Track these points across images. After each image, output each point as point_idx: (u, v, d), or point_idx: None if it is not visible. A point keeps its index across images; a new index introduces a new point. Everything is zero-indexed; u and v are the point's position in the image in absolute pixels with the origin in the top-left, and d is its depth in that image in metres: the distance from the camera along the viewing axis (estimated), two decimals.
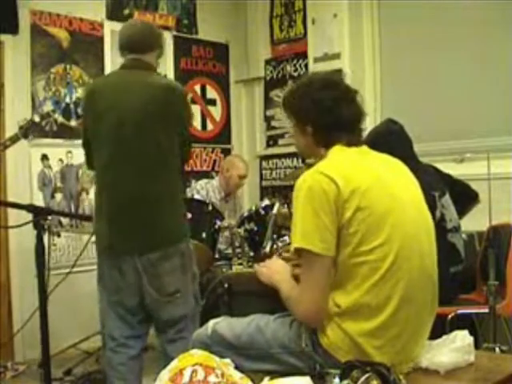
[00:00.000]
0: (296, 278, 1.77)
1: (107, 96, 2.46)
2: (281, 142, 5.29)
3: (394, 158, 1.90)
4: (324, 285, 1.65)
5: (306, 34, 4.99)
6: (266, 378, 1.57)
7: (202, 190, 4.18)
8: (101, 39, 4.54)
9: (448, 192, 2.98)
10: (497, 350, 2.79)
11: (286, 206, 3.49)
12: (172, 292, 2.48)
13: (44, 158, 4.24)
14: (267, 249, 3.19)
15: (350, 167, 1.70)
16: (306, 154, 1.93)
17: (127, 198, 2.42)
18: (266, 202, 3.65)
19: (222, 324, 1.92)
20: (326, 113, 1.77)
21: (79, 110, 4.41)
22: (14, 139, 3.06)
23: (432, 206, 2.19)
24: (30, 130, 3.08)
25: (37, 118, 3.17)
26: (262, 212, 3.52)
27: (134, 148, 2.41)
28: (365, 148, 1.83)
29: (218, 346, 1.85)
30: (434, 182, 2.91)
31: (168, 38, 4.99)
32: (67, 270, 3.14)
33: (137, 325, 2.53)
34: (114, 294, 2.49)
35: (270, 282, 1.86)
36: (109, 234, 2.46)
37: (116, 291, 2.48)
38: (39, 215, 2.14)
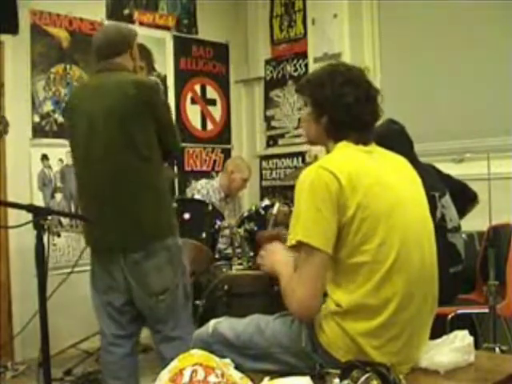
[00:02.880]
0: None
1: (79, 102, 2.52)
2: (281, 142, 5.30)
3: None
4: (319, 280, 1.64)
5: (306, 33, 4.99)
6: (266, 378, 1.57)
7: (203, 189, 4.17)
8: None
9: (448, 192, 2.98)
10: (497, 349, 2.79)
11: (286, 205, 3.49)
12: (160, 291, 2.46)
13: (44, 158, 4.24)
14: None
15: (352, 165, 1.69)
16: (313, 141, 1.91)
17: (105, 196, 2.43)
18: (266, 202, 3.65)
19: (223, 323, 1.92)
20: (344, 109, 1.76)
21: None
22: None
23: (432, 207, 2.19)
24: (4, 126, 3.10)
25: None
26: (262, 212, 3.52)
27: (107, 146, 2.41)
28: (372, 146, 1.82)
29: (219, 344, 1.85)
30: (434, 183, 2.91)
31: (168, 38, 5.00)
32: (67, 270, 3.13)
33: (126, 324, 2.54)
34: (104, 293, 2.52)
35: (271, 270, 1.86)
36: (92, 233, 2.52)
37: (106, 291, 2.52)
38: (39, 215, 2.13)
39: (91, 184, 2.47)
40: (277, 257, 1.88)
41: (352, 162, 1.71)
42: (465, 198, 3.19)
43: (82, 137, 2.46)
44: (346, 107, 1.75)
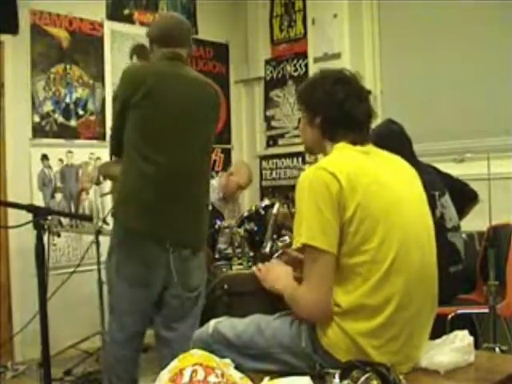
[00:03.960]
0: (297, 281, 1.77)
1: (157, 85, 2.39)
2: (281, 142, 5.30)
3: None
4: (328, 281, 1.65)
5: (305, 33, 4.99)
6: (266, 378, 1.57)
7: None
8: (101, 39, 4.54)
9: (447, 192, 2.98)
10: (497, 349, 2.79)
11: (285, 206, 3.49)
12: (194, 287, 2.51)
13: (44, 158, 4.24)
14: (267, 249, 3.20)
15: (351, 166, 1.70)
16: (311, 147, 1.92)
17: (178, 192, 2.41)
18: (266, 202, 3.65)
19: (223, 323, 1.92)
20: (337, 106, 1.78)
21: (79, 110, 4.42)
22: None
23: (432, 206, 2.18)
24: None
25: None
26: (262, 212, 3.52)
27: (187, 142, 2.43)
28: (370, 147, 1.83)
29: (219, 344, 1.85)
30: (434, 182, 2.91)
31: None
32: (67, 270, 3.15)
33: (147, 321, 2.52)
34: (140, 289, 2.41)
35: (272, 288, 1.85)
36: (149, 227, 2.37)
37: (144, 286, 2.41)
38: (39, 215, 2.14)
39: (163, 176, 2.37)
40: (275, 273, 1.87)
41: (350, 163, 1.71)
42: (464, 197, 3.19)
43: (172, 123, 2.40)
44: (338, 104, 1.77)
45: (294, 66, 5.14)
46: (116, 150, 2.52)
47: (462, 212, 3.13)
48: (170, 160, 2.39)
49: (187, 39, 2.57)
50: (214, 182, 4.29)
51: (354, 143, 1.78)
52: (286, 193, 4.92)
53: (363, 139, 1.81)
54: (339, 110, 1.78)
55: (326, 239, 1.62)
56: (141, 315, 2.47)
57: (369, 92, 1.86)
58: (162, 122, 2.39)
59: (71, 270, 3.23)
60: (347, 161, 1.72)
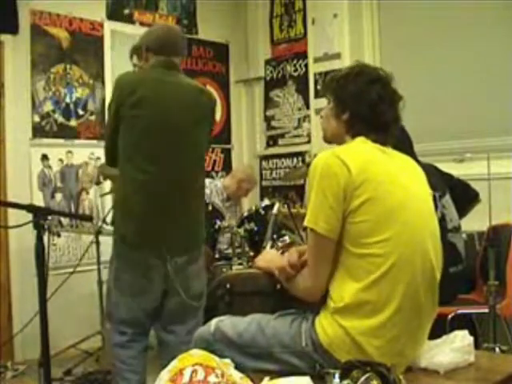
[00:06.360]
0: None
1: (152, 93, 2.41)
2: (281, 142, 5.30)
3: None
4: (324, 264, 1.69)
5: (306, 33, 5.00)
6: (266, 378, 1.57)
7: (206, 188, 4.15)
8: (101, 39, 4.54)
9: (448, 192, 2.98)
10: (497, 349, 2.79)
11: (286, 206, 3.50)
12: (199, 295, 2.52)
13: (44, 158, 4.24)
14: (267, 249, 3.19)
15: (366, 158, 1.71)
16: (331, 138, 1.91)
17: (169, 200, 2.41)
18: (266, 202, 3.65)
19: (225, 322, 1.92)
20: (367, 105, 1.78)
21: (79, 110, 4.42)
22: None
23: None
24: None
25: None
26: (262, 212, 3.52)
27: (180, 150, 2.42)
28: (388, 148, 1.83)
29: (220, 343, 1.85)
30: (435, 182, 2.90)
31: None
32: (67, 270, 3.15)
33: (147, 324, 2.54)
34: (136, 298, 2.45)
35: (266, 268, 1.96)
36: (142, 236, 2.41)
37: (140, 295, 2.45)
38: (39, 215, 2.14)
39: (153, 186, 2.39)
40: (269, 255, 2.01)
41: (366, 156, 1.72)
42: (466, 197, 3.19)
43: (157, 132, 2.39)
44: (370, 103, 1.78)
45: (294, 65, 5.14)
46: (110, 160, 2.55)
47: (463, 212, 3.13)
48: (161, 169, 2.40)
49: (183, 49, 2.60)
50: (219, 183, 4.27)
51: (375, 142, 1.79)
52: (285, 193, 4.94)
53: (384, 141, 1.82)
54: (369, 110, 1.78)
55: (325, 224, 1.65)
56: (137, 323, 2.50)
57: (400, 98, 1.86)
58: (154, 131, 2.39)
59: (71, 270, 3.23)
60: (363, 153, 1.73)
